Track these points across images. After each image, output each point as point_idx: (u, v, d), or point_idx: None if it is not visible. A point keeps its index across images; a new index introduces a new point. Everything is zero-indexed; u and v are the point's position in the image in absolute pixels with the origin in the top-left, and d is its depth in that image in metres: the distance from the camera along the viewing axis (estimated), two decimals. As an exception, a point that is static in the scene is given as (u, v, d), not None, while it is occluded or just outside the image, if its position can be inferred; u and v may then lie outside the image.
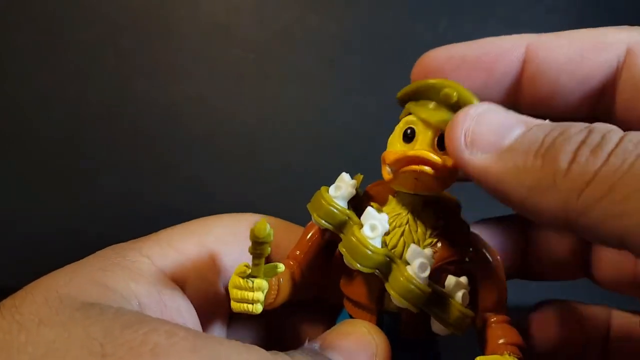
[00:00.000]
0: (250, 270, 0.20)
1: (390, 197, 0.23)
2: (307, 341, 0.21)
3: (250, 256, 0.19)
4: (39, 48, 0.54)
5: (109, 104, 0.55)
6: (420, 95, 0.22)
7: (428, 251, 0.21)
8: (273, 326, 0.25)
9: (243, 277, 0.20)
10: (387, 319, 0.22)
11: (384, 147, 0.23)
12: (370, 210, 0.21)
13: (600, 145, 0.15)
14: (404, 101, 0.23)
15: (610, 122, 0.18)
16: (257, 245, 0.19)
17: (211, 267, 0.22)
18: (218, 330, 0.23)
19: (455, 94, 0.20)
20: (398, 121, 0.23)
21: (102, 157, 0.56)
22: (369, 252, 0.20)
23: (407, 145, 0.21)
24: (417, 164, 0.20)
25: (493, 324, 0.22)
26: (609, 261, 0.25)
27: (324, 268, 0.23)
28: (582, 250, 0.25)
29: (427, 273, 0.20)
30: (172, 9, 0.54)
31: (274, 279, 0.21)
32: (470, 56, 0.23)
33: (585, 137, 0.16)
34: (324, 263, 0.23)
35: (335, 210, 0.22)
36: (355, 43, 0.55)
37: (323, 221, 0.22)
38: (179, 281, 0.21)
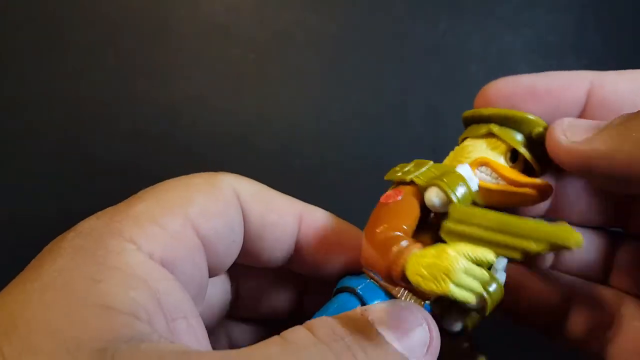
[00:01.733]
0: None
1: None
2: (359, 309, 0.19)
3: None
4: (39, 48, 0.54)
5: (109, 104, 0.55)
6: (509, 123, 0.22)
7: (504, 260, 0.20)
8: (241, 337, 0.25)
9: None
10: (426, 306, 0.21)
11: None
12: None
13: None
14: (483, 119, 0.23)
15: None
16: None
17: (197, 245, 0.21)
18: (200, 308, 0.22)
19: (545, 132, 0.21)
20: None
21: (102, 157, 0.56)
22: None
23: (511, 165, 0.22)
24: (539, 190, 0.21)
25: None
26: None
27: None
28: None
29: (504, 276, 0.20)
30: (171, 9, 0.54)
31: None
32: (539, 86, 0.24)
33: None
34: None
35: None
36: (355, 43, 0.55)
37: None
38: (169, 265, 0.19)
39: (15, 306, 0.15)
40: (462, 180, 0.20)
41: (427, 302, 0.21)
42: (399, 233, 0.18)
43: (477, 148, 0.23)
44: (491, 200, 0.21)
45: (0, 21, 0.54)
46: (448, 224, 0.19)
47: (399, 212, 0.20)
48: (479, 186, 0.21)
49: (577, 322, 0.26)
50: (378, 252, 0.18)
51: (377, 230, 0.19)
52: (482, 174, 0.22)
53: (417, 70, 0.55)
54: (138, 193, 0.22)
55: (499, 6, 0.55)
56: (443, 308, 0.21)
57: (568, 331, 0.26)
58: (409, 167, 0.22)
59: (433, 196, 0.20)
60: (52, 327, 0.14)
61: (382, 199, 0.21)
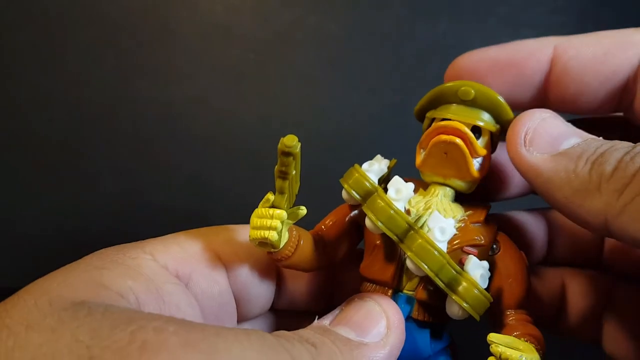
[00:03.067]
0: (273, 199, 0.20)
1: (421, 189, 0.23)
2: (316, 319, 0.20)
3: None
4: (39, 48, 0.54)
5: (109, 104, 0.55)
6: (439, 101, 0.22)
7: (450, 220, 0.21)
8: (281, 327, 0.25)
9: (265, 206, 0.20)
10: (400, 300, 0.22)
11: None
12: (396, 177, 0.22)
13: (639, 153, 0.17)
14: (422, 113, 0.23)
15: (632, 119, 0.21)
16: (284, 159, 0.19)
17: (217, 266, 0.22)
18: None
19: (472, 90, 0.21)
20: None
21: (102, 157, 0.56)
22: (392, 212, 0.20)
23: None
24: (449, 134, 0.21)
25: (513, 320, 0.21)
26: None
27: (342, 253, 0.23)
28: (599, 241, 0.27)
29: (446, 237, 0.21)
30: (171, 9, 0.54)
31: (295, 234, 0.21)
32: (502, 57, 0.24)
33: (630, 149, 0.17)
34: (344, 248, 0.23)
35: (365, 182, 0.22)
36: (355, 43, 0.55)
37: (352, 191, 0.22)
38: (183, 278, 0.21)
39: (29, 286, 0.18)
40: (360, 176, 0.23)
41: (411, 293, 0.22)
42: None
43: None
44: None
45: (0, 21, 0.54)
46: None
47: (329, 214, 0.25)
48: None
49: (572, 312, 0.26)
50: None
51: None
52: None
53: (417, 70, 0.55)
54: None
55: (499, 6, 0.55)
56: (430, 296, 0.21)
57: (564, 322, 0.26)
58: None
59: (344, 195, 0.23)
60: (44, 290, 0.17)
61: None
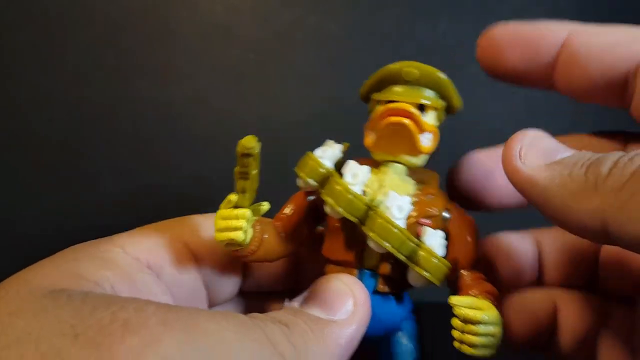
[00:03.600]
0: (236, 200, 0.20)
1: (374, 168, 0.24)
2: (285, 301, 0.21)
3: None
4: (39, 48, 0.54)
5: (109, 104, 0.55)
6: (383, 83, 0.23)
7: (406, 197, 0.22)
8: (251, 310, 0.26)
9: (228, 207, 0.21)
10: (365, 275, 0.23)
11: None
12: (351, 161, 0.23)
13: (638, 154, 0.17)
14: (368, 95, 0.24)
15: (634, 116, 0.21)
16: (244, 160, 0.20)
17: (187, 255, 0.23)
18: None
19: (415, 70, 0.22)
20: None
21: (102, 157, 0.56)
22: (350, 197, 0.21)
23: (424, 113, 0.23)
24: (397, 115, 0.22)
25: (466, 278, 0.23)
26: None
27: (305, 238, 0.24)
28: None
29: (404, 214, 0.22)
30: (171, 9, 0.54)
31: (258, 229, 0.22)
32: (522, 32, 0.25)
33: (626, 154, 0.17)
34: (306, 233, 0.24)
35: (320, 169, 0.23)
36: (355, 43, 0.55)
37: (308, 179, 0.23)
38: (155, 268, 0.22)
39: (6, 280, 0.19)
40: (311, 161, 0.23)
41: (374, 268, 0.23)
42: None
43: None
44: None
45: (0, 21, 0.54)
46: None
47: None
48: None
49: (566, 334, 0.26)
50: None
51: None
52: None
53: (417, 70, 0.55)
54: None
55: (499, 6, 0.55)
56: (392, 269, 0.23)
57: (557, 344, 0.26)
58: None
59: (298, 182, 0.24)
60: (23, 281, 0.18)
61: None
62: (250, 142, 0.20)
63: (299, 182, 0.23)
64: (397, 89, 0.23)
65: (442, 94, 0.23)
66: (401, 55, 0.55)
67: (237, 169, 0.20)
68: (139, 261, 0.21)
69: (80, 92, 0.55)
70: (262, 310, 0.24)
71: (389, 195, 0.22)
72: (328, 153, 0.23)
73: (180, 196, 0.55)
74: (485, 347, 0.21)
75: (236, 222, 0.20)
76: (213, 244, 0.23)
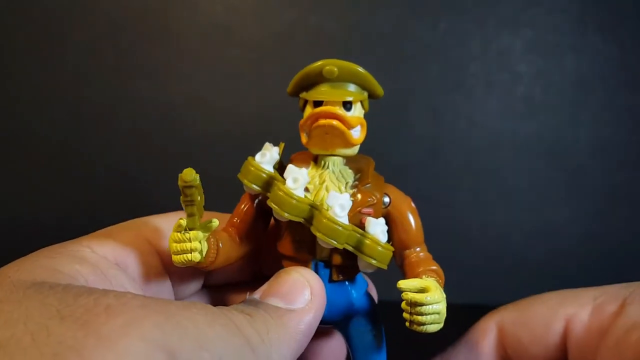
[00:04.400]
0: (185, 224, 0.22)
1: (312, 162, 0.25)
2: (247, 294, 0.23)
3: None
4: (39, 48, 0.54)
5: (109, 104, 0.55)
6: (308, 82, 0.24)
7: (346, 195, 0.24)
8: (216, 302, 0.27)
9: (180, 231, 0.22)
10: (320, 267, 0.25)
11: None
12: (290, 166, 0.24)
13: None
14: (296, 93, 0.25)
15: None
16: (187, 191, 0.21)
17: (150, 252, 0.25)
18: None
19: (334, 68, 0.23)
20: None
21: (102, 157, 0.56)
22: (294, 202, 0.23)
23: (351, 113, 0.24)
24: (326, 118, 0.23)
25: (412, 257, 0.25)
26: None
27: (260, 235, 0.26)
28: None
29: (346, 212, 0.23)
30: (171, 9, 0.54)
31: (212, 240, 0.23)
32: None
33: None
34: (260, 230, 0.26)
35: (261, 174, 0.24)
36: (355, 43, 0.55)
37: (252, 185, 0.24)
38: (122, 265, 0.23)
39: None
40: (249, 165, 0.25)
41: (326, 259, 0.25)
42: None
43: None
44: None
45: (0, 21, 0.54)
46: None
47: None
48: None
49: None
50: None
51: None
52: None
53: (417, 70, 0.55)
54: None
55: (499, 6, 0.55)
56: (343, 259, 0.24)
57: None
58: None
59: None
60: (4, 275, 0.19)
61: None
62: (189, 176, 0.21)
63: (246, 189, 0.25)
64: (323, 88, 0.24)
65: (363, 87, 0.25)
66: (401, 55, 0.55)
67: (182, 198, 0.22)
68: (107, 259, 0.22)
69: (80, 92, 0.55)
70: (225, 302, 0.26)
71: (330, 195, 0.24)
72: (267, 157, 0.25)
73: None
74: (433, 324, 0.22)
75: (189, 244, 0.22)
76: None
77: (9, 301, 0.17)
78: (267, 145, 0.26)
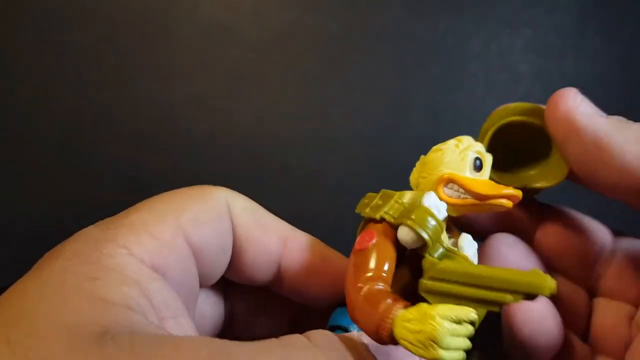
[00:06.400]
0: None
1: None
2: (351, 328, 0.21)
3: None
4: (39, 48, 0.54)
5: (109, 104, 0.55)
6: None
7: (475, 242, 0.22)
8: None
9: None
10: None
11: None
12: (432, 195, 0.22)
13: None
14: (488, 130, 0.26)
15: None
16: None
17: (188, 254, 0.22)
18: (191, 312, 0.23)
19: None
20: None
21: (102, 157, 0.56)
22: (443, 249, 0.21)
23: (477, 174, 0.23)
24: (510, 199, 0.22)
25: None
26: None
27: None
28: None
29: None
30: (172, 9, 0.54)
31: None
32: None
33: None
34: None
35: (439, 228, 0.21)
36: (355, 43, 0.55)
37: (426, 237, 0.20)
38: (159, 270, 0.20)
39: (16, 301, 0.16)
40: (429, 214, 0.21)
41: None
42: (381, 286, 0.19)
43: (457, 162, 0.23)
44: (463, 212, 0.22)
45: (0, 21, 0.54)
46: (426, 283, 0.19)
47: (376, 257, 0.20)
48: (450, 203, 0.22)
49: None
50: (363, 312, 0.18)
51: (359, 285, 0.19)
52: (451, 190, 0.22)
53: (417, 70, 0.55)
54: (136, 205, 0.24)
55: (499, 6, 0.55)
56: None
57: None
58: (376, 199, 0.22)
59: (405, 235, 0.20)
60: (52, 315, 0.15)
61: (356, 245, 0.21)
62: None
63: (411, 236, 0.21)
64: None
65: None
66: (401, 55, 0.55)
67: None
68: (144, 264, 0.20)
69: (80, 92, 0.55)
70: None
71: (463, 238, 0.22)
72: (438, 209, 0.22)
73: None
74: None
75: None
76: (212, 237, 0.22)
77: None
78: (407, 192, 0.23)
